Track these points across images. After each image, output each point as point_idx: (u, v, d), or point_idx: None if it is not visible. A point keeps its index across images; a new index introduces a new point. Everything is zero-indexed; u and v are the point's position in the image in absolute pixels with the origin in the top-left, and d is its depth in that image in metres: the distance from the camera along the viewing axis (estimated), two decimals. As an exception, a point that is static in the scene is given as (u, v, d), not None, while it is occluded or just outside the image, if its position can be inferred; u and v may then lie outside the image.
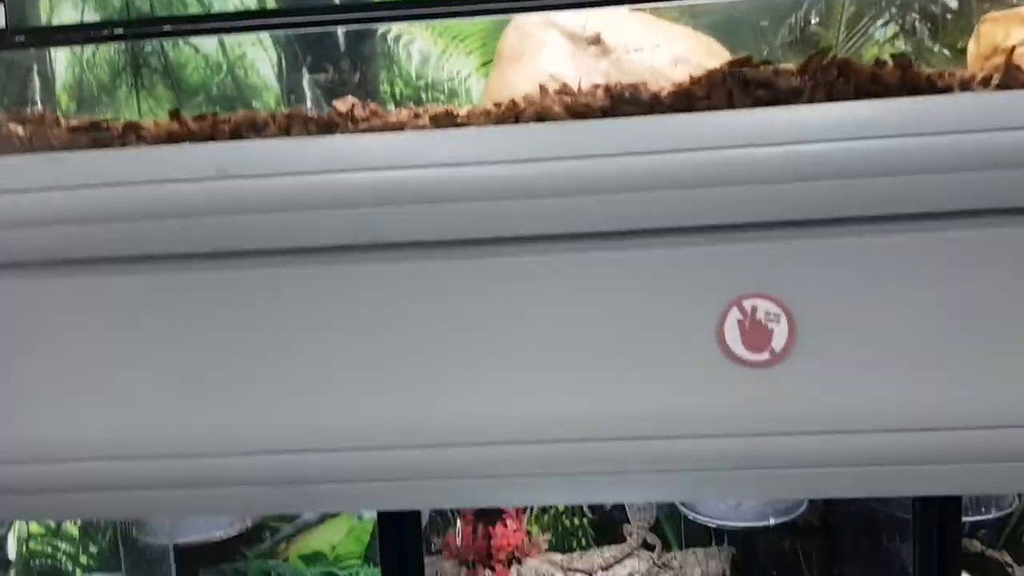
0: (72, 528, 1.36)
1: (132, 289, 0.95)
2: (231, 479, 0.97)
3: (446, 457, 0.94)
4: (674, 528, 1.58)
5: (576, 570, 1.55)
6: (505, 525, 1.59)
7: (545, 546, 1.62)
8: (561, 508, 1.64)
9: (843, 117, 0.85)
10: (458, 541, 1.48)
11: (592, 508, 1.64)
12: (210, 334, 0.94)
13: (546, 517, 1.64)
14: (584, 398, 0.93)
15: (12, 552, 1.22)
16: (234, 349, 0.94)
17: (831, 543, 1.48)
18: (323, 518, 1.65)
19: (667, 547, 1.60)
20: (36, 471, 0.98)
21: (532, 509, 1.64)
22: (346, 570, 1.60)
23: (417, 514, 1.03)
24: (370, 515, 1.64)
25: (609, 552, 1.57)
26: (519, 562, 1.58)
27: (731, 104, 0.88)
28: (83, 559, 1.38)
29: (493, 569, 1.56)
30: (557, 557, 1.59)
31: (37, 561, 1.28)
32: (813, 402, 0.91)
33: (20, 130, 0.97)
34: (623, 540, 1.59)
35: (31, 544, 1.28)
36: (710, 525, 1.30)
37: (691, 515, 1.33)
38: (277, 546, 1.65)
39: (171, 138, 0.95)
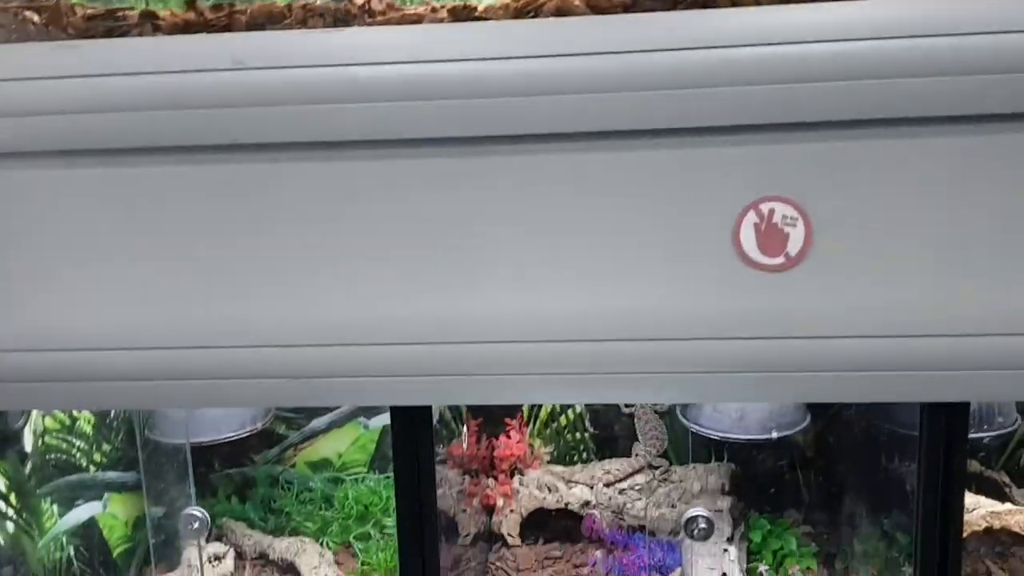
0: (86, 425, 1.37)
1: (148, 180, 0.94)
2: (243, 371, 0.98)
3: (456, 354, 0.95)
4: (675, 444, 1.60)
5: (576, 482, 1.57)
6: (508, 436, 1.60)
7: (547, 459, 1.64)
8: (564, 423, 1.66)
9: (868, 16, 0.84)
10: (464, 447, 1.50)
11: (594, 424, 1.66)
12: (225, 226, 0.94)
13: (548, 431, 1.66)
14: (597, 298, 0.94)
15: (28, 445, 1.24)
16: (248, 242, 0.94)
17: (832, 460, 1.50)
18: (330, 427, 1.67)
19: (670, 463, 1.62)
20: (49, 360, 0.99)
21: (535, 422, 1.66)
22: (353, 476, 1.63)
23: (428, 416, 1.04)
24: (376, 425, 1.66)
25: (611, 465, 1.59)
26: (521, 473, 1.60)
27: (756, 1, 0.87)
28: (96, 456, 1.40)
29: (495, 479, 1.59)
30: (558, 469, 1.62)
31: (52, 456, 1.30)
32: (827, 306, 0.91)
33: (36, 17, 0.96)
34: (625, 455, 1.62)
35: (47, 439, 1.30)
36: (712, 437, 1.31)
37: (694, 427, 1.34)
38: (284, 453, 1.67)
39: (187, 28, 0.94)
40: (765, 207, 0.90)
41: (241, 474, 1.64)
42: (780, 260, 0.91)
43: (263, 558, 1.50)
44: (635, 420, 1.60)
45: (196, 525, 1.17)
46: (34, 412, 1.27)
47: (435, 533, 1.01)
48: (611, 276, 0.93)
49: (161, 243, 0.95)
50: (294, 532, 1.54)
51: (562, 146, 0.91)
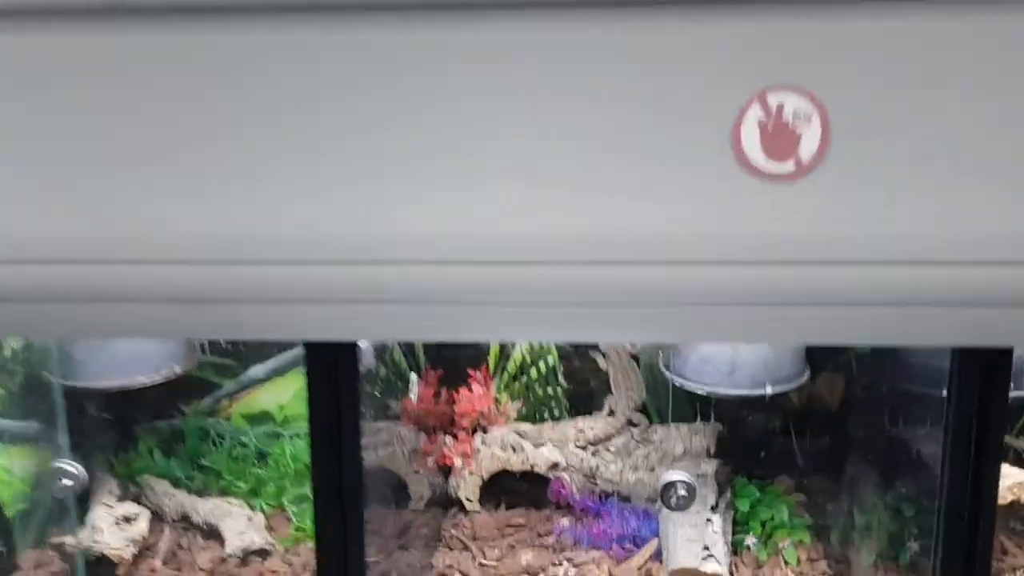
0: (-27, 365, 1.20)
1: (32, 53, 0.75)
2: (128, 292, 0.80)
3: (394, 276, 0.78)
4: (656, 399, 1.44)
5: (545, 441, 1.40)
6: (471, 390, 1.43)
7: (514, 415, 1.47)
8: (535, 376, 1.49)
9: None
10: (416, 400, 1.33)
11: (568, 377, 1.49)
12: (119, 113, 0.75)
13: (517, 385, 1.49)
14: (570, 212, 0.76)
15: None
16: (157, 133, 0.75)
17: (832, 421, 1.34)
18: (271, 375, 1.50)
19: (650, 421, 1.46)
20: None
21: (502, 374, 1.49)
22: (294, 432, 1.46)
23: (352, 355, 0.86)
24: (322, 374, 1.49)
25: (584, 423, 1.43)
26: (484, 431, 1.43)
27: None
28: (-13, 402, 1.22)
29: (455, 436, 1.42)
30: (526, 427, 1.45)
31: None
32: (845, 224, 0.74)
33: None
34: (600, 410, 1.45)
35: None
36: (698, 392, 1.15)
37: (677, 380, 1.17)
38: (218, 404, 1.49)
39: None
40: (773, 100, 0.72)
41: (169, 426, 1.47)
42: (789, 167, 0.73)
43: (185, 520, 1.33)
44: (609, 368, 1.43)
45: (68, 482, 0.99)
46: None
47: (359, 495, 0.83)
48: (580, 185, 0.75)
49: (38, 133, 0.76)
50: (224, 492, 1.37)
51: (535, 21, 0.72)
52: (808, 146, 0.72)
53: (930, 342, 0.77)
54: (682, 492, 0.84)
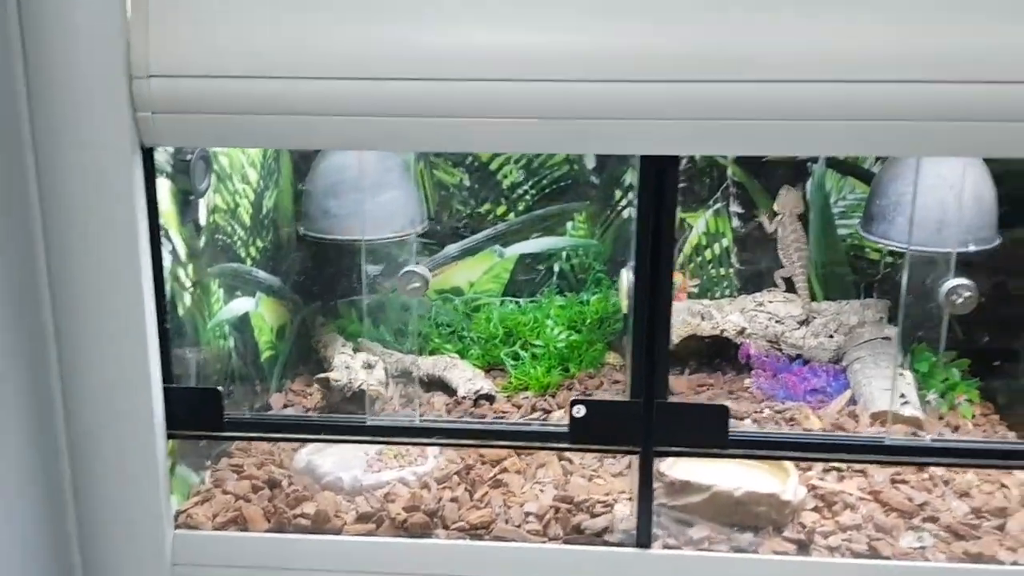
0: (244, 215, 1.30)
1: None
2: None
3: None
4: (826, 288, 1.53)
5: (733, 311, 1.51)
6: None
7: (694, 291, 1.58)
8: (709, 257, 1.59)
9: None
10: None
11: (740, 257, 1.59)
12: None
13: (692, 265, 1.60)
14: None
15: (203, 218, 1.17)
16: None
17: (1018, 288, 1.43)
18: (462, 254, 1.61)
19: (813, 297, 1.56)
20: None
21: (678, 254, 1.60)
22: (489, 299, 1.57)
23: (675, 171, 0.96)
24: (511, 254, 1.60)
25: (763, 298, 1.53)
26: (666, 305, 1.54)
27: None
28: (252, 250, 1.33)
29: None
30: (705, 302, 1.56)
31: (219, 237, 1.24)
32: None
33: None
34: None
35: (216, 216, 1.22)
36: (885, 247, 1.24)
37: (882, 242, 1.27)
38: (414, 279, 1.60)
39: None
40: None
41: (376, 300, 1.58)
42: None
43: (405, 376, 1.45)
44: (777, 228, 1.53)
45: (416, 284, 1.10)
46: (213, 181, 1.20)
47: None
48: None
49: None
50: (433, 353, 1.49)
51: None
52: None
53: None
54: (967, 294, 0.95)
